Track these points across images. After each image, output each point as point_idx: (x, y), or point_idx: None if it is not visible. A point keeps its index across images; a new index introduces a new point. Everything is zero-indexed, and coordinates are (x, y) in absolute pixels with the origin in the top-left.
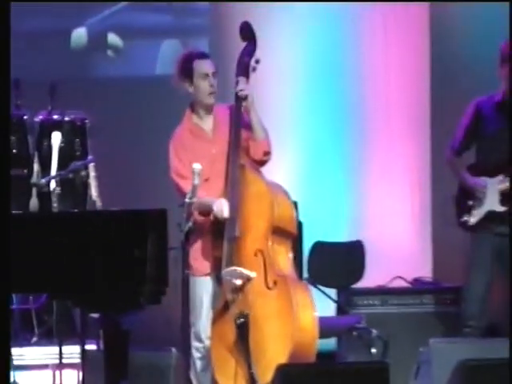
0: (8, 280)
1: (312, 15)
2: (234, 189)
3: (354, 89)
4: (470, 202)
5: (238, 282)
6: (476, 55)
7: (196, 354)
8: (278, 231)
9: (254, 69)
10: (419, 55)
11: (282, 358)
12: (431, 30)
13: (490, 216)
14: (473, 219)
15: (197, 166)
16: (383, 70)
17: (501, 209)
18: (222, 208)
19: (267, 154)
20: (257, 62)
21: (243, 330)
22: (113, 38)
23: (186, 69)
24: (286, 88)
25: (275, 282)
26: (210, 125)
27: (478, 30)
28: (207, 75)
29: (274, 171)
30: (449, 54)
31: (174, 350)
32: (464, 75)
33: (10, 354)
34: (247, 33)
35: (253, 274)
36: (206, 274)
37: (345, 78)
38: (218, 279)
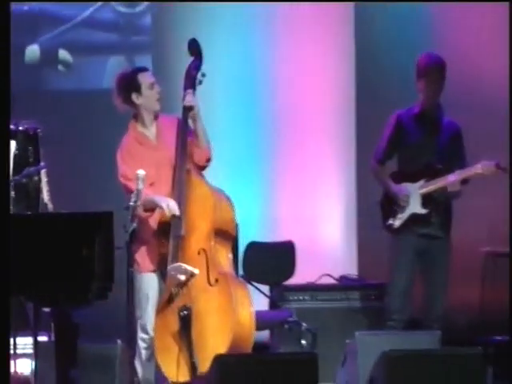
0: (7, 279)
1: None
2: (180, 191)
3: (281, 95)
4: (394, 207)
5: (182, 277)
6: (399, 66)
7: (142, 345)
8: (219, 232)
9: (200, 82)
10: (344, 64)
11: (222, 349)
12: (356, 36)
13: (413, 218)
14: (397, 222)
15: (141, 172)
16: (311, 77)
17: (422, 211)
18: (173, 206)
19: (209, 160)
20: (203, 75)
21: (186, 322)
22: (63, 54)
23: (132, 83)
24: (214, 94)
25: (216, 280)
26: (154, 133)
27: (401, 39)
28: (153, 84)
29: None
30: (373, 63)
31: (119, 341)
32: (387, 88)
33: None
34: (195, 48)
35: (196, 271)
36: (152, 271)
37: (270, 84)
38: (163, 275)
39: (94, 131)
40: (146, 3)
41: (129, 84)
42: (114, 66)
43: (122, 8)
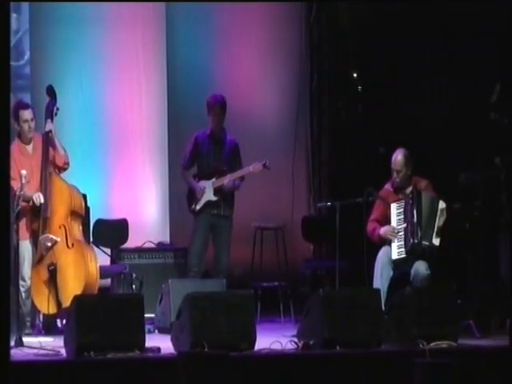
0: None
1: None
2: (46, 187)
3: (118, 116)
4: (196, 197)
5: (49, 243)
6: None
7: (22, 289)
8: (73, 213)
9: (56, 114)
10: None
11: (78, 291)
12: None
13: (208, 204)
14: (198, 207)
15: (23, 172)
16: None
17: (214, 198)
18: (40, 197)
19: (66, 163)
20: (57, 109)
21: (53, 273)
22: None
23: (15, 115)
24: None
25: (73, 244)
26: (31, 147)
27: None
28: (27, 121)
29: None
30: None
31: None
32: (194, 110)
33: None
34: (51, 92)
35: (58, 239)
36: (26, 239)
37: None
38: (35, 242)
39: None
40: (26, 58)
41: (13, 115)
42: None
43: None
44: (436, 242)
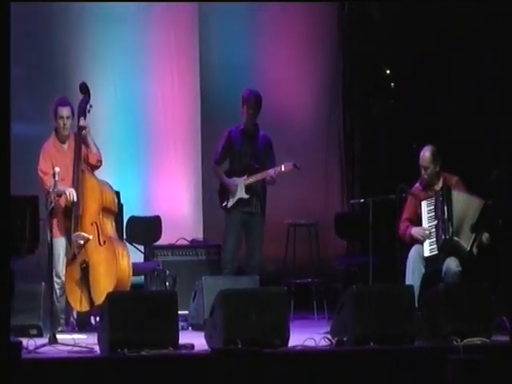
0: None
1: None
2: (78, 184)
3: (153, 114)
4: (227, 194)
5: (81, 241)
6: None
7: (56, 286)
8: (105, 210)
9: (89, 111)
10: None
11: (110, 288)
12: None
13: (240, 201)
14: (230, 204)
15: (57, 169)
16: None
17: (246, 196)
18: (73, 194)
19: (99, 161)
20: (90, 106)
21: (85, 271)
22: None
23: (54, 111)
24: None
25: (104, 241)
26: (66, 145)
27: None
28: (62, 118)
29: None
30: (215, 94)
31: (43, 283)
32: (226, 108)
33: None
34: (84, 89)
35: (90, 237)
36: (62, 236)
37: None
38: (68, 240)
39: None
40: None
41: (53, 110)
42: None
43: None
44: (475, 250)
